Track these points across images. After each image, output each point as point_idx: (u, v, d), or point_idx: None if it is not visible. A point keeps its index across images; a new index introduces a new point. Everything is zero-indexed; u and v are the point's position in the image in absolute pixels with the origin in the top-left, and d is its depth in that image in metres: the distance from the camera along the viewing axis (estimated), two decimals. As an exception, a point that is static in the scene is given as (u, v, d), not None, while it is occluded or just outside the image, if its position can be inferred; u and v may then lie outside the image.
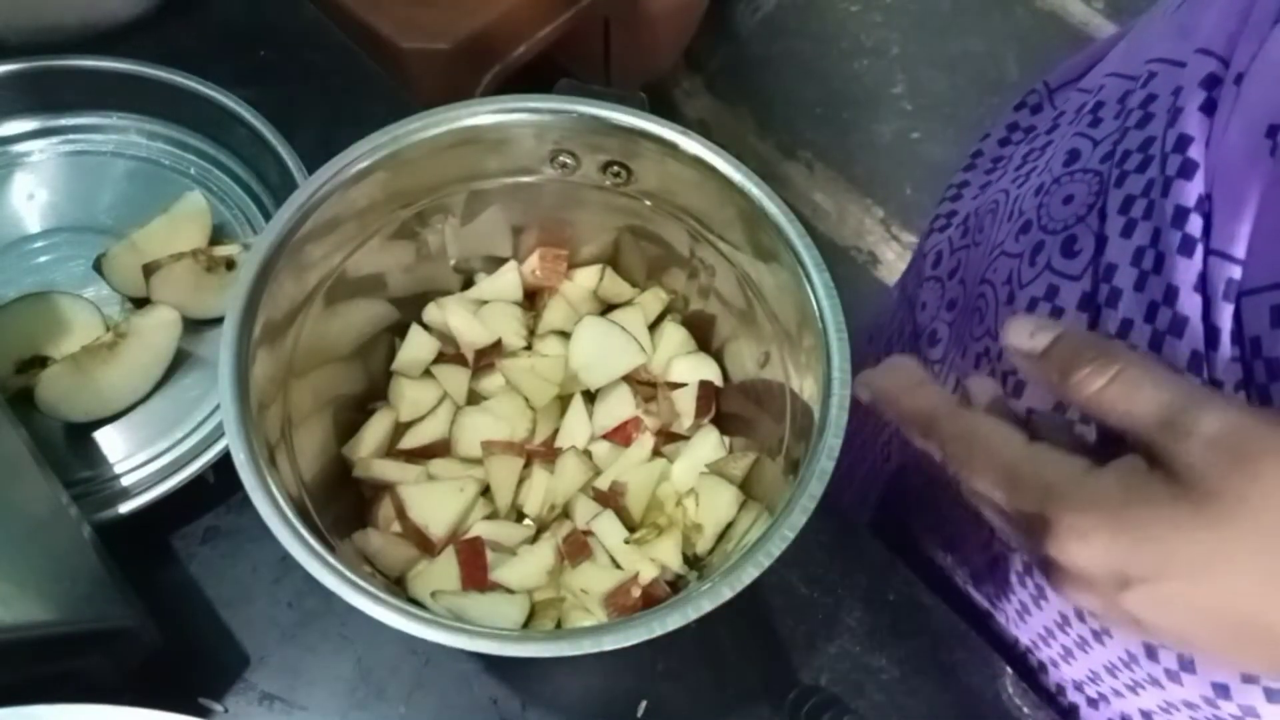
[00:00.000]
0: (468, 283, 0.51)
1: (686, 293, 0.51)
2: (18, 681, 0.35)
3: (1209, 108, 0.33)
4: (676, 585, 0.45)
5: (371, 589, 0.33)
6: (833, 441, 0.36)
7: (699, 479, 0.46)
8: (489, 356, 0.49)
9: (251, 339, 0.37)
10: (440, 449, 0.48)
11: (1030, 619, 0.45)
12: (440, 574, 0.43)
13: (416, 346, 0.49)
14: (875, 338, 0.63)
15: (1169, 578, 0.25)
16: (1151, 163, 0.36)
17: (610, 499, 0.46)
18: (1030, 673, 0.49)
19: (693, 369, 0.49)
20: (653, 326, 0.51)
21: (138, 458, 0.48)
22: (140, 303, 0.52)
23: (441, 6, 0.95)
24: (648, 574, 0.44)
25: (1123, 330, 0.35)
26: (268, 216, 0.56)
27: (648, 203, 0.46)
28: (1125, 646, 0.38)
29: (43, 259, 0.54)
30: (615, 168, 0.45)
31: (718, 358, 0.50)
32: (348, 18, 0.91)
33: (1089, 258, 0.38)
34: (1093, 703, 0.46)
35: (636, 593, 0.43)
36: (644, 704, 0.46)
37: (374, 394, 0.49)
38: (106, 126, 0.58)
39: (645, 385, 0.50)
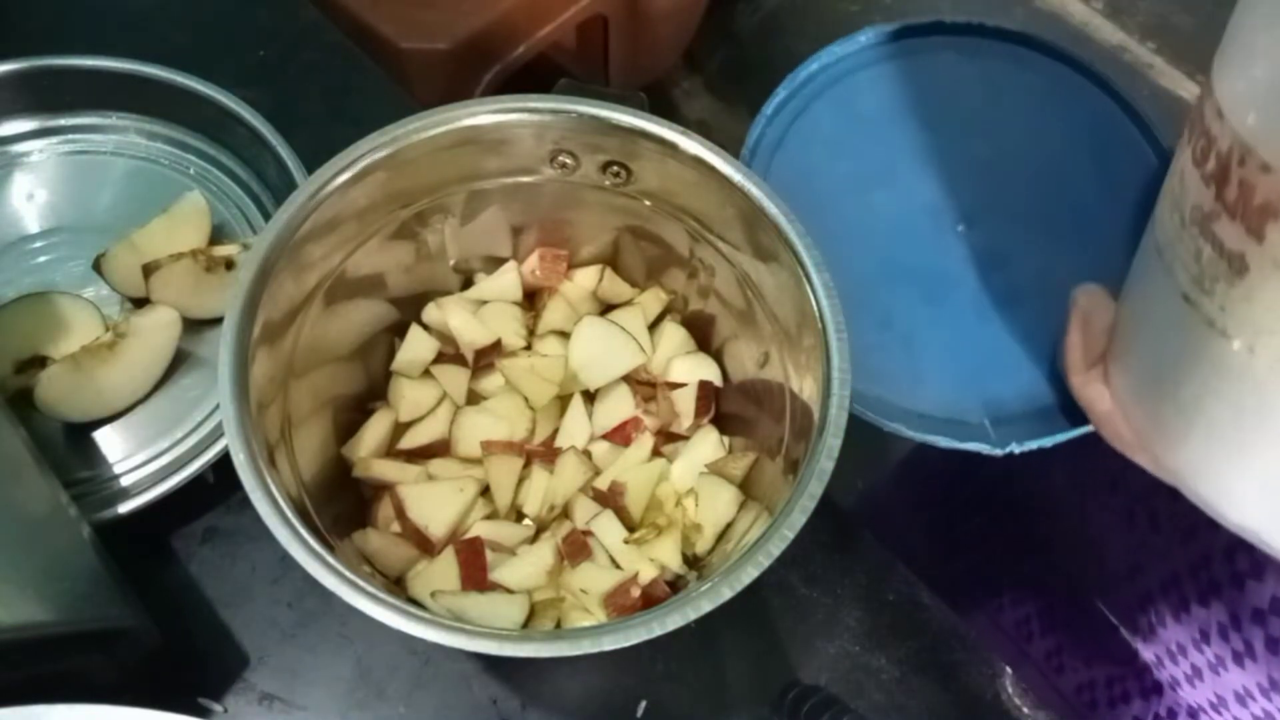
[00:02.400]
0: (467, 283, 0.51)
1: (686, 293, 0.51)
2: (18, 681, 0.35)
3: None
4: (676, 585, 0.45)
5: (371, 589, 0.33)
6: (832, 442, 0.36)
7: (698, 479, 0.46)
8: (488, 356, 0.49)
9: (251, 339, 0.37)
10: (440, 449, 0.48)
11: (1164, 633, 0.44)
12: (440, 574, 0.43)
13: (416, 346, 0.49)
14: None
15: None
16: None
17: (610, 499, 0.46)
18: (1145, 693, 0.48)
19: (692, 369, 0.49)
20: (652, 327, 0.51)
21: (137, 458, 0.48)
22: (140, 303, 0.52)
23: (441, 6, 0.95)
24: (647, 574, 0.44)
25: None
26: (267, 216, 0.56)
27: (647, 203, 0.46)
28: (1269, 672, 0.38)
29: (42, 259, 0.54)
30: (615, 168, 0.45)
31: (717, 358, 0.50)
32: (348, 18, 0.91)
33: None
34: None
35: (636, 593, 0.43)
36: (644, 704, 0.46)
37: (374, 394, 0.49)
38: (106, 126, 0.58)
39: (645, 385, 0.50)
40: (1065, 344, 0.41)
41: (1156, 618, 0.45)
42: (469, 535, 0.45)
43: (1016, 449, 0.43)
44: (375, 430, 0.47)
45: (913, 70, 0.52)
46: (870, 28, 0.52)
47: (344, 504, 0.45)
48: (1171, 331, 0.34)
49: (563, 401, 0.49)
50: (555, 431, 0.49)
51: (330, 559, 0.33)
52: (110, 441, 0.49)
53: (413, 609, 0.33)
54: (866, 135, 0.51)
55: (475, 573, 0.43)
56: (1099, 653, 0.50)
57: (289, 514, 0.34)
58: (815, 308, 0.39)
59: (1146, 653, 0.47)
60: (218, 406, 0.39)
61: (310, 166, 0.43)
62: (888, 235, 0.49)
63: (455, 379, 0.49)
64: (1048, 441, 0.44)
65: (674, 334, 0.50)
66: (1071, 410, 0.43)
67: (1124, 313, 0.39)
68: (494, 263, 0.51)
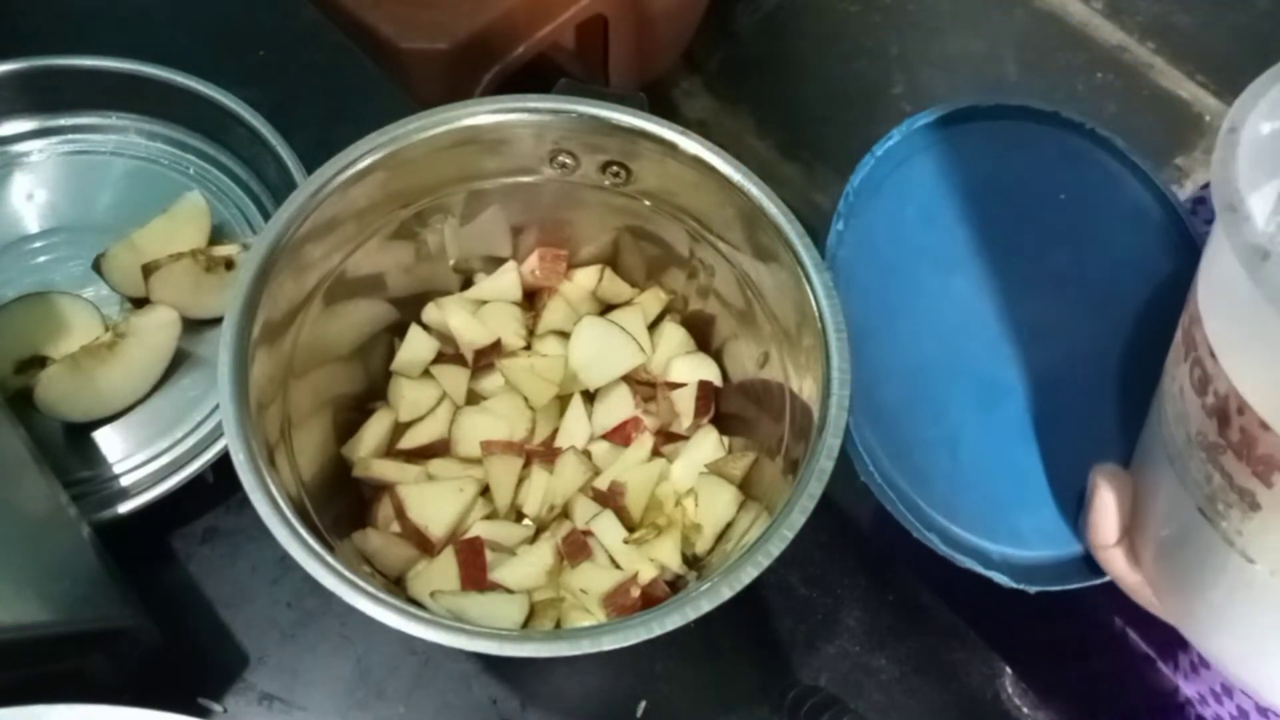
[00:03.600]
0: (467, 283, 0.51)
1: (686, 293, 0.51)
2: (18, 681, 0.35)
3: None
4: (676, 585, 0.45)
5: (371, 589, 0.33)
6: (832, 441, 0.36)
7: (698, 479, 0.46)
8: (488, 356, 0.49)
9: (251, 339, 0.37)
10: (439, 449, 0.48)
11: (1206, 674, 0.44)
12: (439, 574, 0.43)
13: (416, 346, 0.49)
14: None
15: None
16: None
17: (610, 499, 0.46)
18: None
19: (692, 369, 0.49)
20: (652, 326, 0.51)
21: (137, 458, 0.48)
22: (139, 303, 0.52)
23: (441, 6, 0.95)
24: (647, 574, 0.44)
25: None
26: (267, 216, 0.56)
27: (647, 203, 0.46)
28: None
29: (42, 259, 0.54)
30: (615, 168, 0.45)
31: (717, 358, 0.50)
32: (347, 18, 0.91)
33: None
34: None
35: (636, 593, 0.43)
36: (643, 704, 0.46)
37: (373, 394, 0.49)
38: (106, 126, 0.58)
39: (645, 385, 0.50)
40: (1088, 521, 0.40)
41: (1198, 658, 0.44)
42: (469, 535, 0.45)
43: (1031, 589, 0.43)
44: (375, 430, 0.47)
45: (1023, 154, 0.49)
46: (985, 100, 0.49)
47: (344, 504, 0.45)
48: (1192, 539, 0.32)
49: (562, 401, 0.49)
50: (555, 431, 0.49)
51: (330, 559, 0.33)
52: (110, 441, 0.49)
53: (413, 609, 0.33)
54: (964, 209, 0.48)
55: (475, 573, 0.43)
56: (1136, 683, 0.49)
57: (288, 514, 0.34)
58: (815, 308, 0.39)
59: (1188, 689, 0.47)
60: (217, 406, 0.39)
61: (310, 166, 0.43)
62: (958, 324, 0.46)
63: (455, 379, 0.49)
64: (1067, 587, 0.43)
65: (674, 334, 0.50)
66: (1092, 562, 0.42)
67: (1142, 495, 0.38)
68: (494, 263, 0.51)
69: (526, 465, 0.47)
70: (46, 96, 0.57)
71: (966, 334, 0.46)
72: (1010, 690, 0.48)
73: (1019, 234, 0.48)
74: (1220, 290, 0.29)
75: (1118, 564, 0.39)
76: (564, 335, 0.50)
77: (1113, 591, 0.42)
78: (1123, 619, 0.52)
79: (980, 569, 0.42)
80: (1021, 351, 0.46)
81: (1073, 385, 0.46)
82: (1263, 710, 0.42)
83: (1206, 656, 0.35)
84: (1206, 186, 0.52)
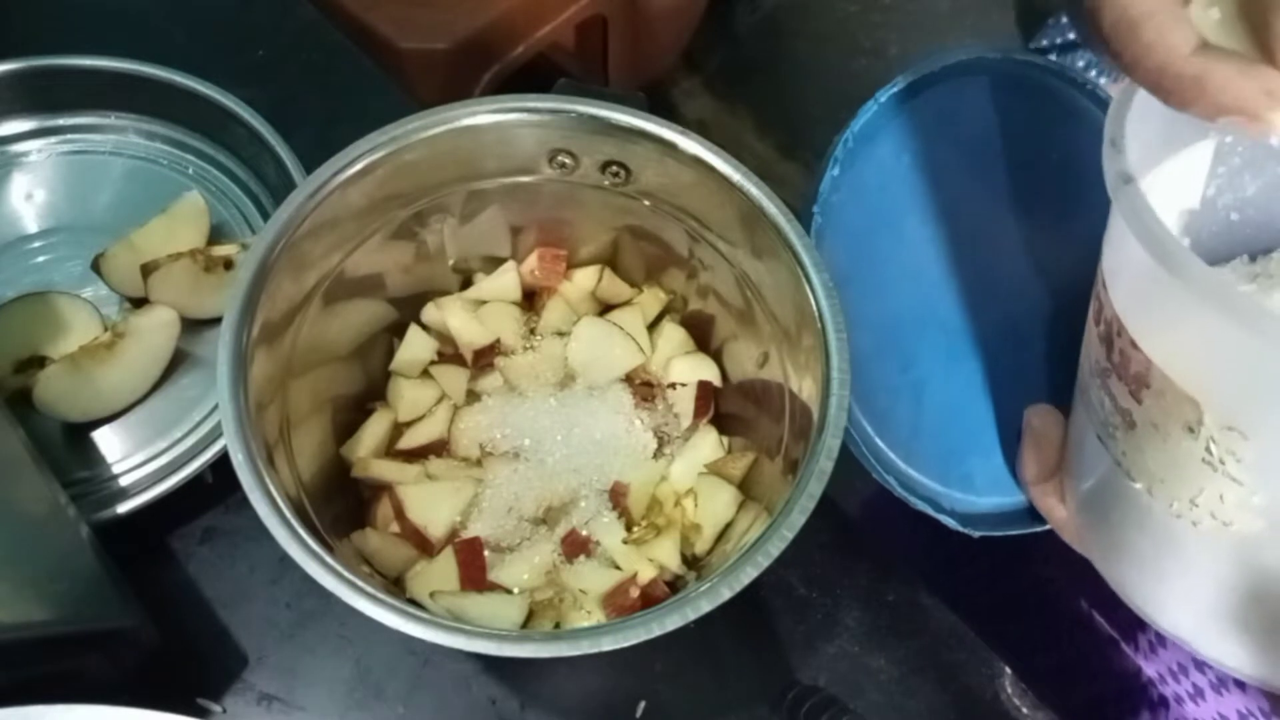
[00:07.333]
0: (466, 283, 0.51)
1: (685, 293, 0.51)
2: (17, 681, 0.35)
3: None
4: (675, 585, 0.45)
5: (370, 589, 0.33)
6: (831, 442, 0.36)
7: (698, 479, 0.46)
8: (488, 356, 0.49)
9: (250, 339, 0.37)
10: (439, 449, 0.48)
11: (1164, 653, 0.45)
12: (439, 574, 0.43)
13: (415, 346, 0.49)
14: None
15: None
16: None
17: (610, 499, 0.46)
18: (1152, 706, 0.49)
19: (691, 369, 0.49)
20: (651, 326, 0.51)
21: (136, 458, 0.48)
22: (138, 303, 0.52)
23: (440, 6, 0.95)
24: (646, 574, 0.44)
25: None
26: (266, 216, 0.56)
27: (646, 203, 0.46)
28: (1270, 696, 0.38)
29: (41, 259, 0.54)
30: (614, 168, 0.45)
31: (716, 358, 0.50)
32: (346, 17, 0.91)
33: None
34: None
35: (635, 593, 0.43)
36: (643, 704, 0.46)
37: (372, 394, 0.49)
38: (105, 126, 0.58)
39: (644, 385, 0.50)
40: (1020, 459, 0.43)
41: (1156, 637, 0.45)
42: (468, 535, 0.45)
43: (974, 534, 0.45)
44: (374, 430, 0.47)
45: (1022, 110, 0.47)
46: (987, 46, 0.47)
47: (343, 504, 0.45)
48: (1094, 464, 0.36)
49: (562, 401, 0.49)
50: (554, 431, 0.48)
51: (329, 559, 0.33)
52: (109, 441, 0.49)
53: (412, 609, 0.33)
54: (957, 161, 0.47)
55: (474, 573, 0.43)
56: (1103, 667, 0.50)
57: (288, 514, 0.34)
58: (814, 307, 0.39)
59: (1149, 669, 0.47)
60: (216, 406, 0.39)
61: (309, 166, 0.43)
62: (938, 276, 0.47)
63: (454, 379, 0.49)
64: (1009, 532, 0.45)
65: (673, 334, 0.50)
66: (1035, 511, 0.44)
67: (1069, 436, 0.41)
68: (493, 263, 0.51)
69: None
70: (45, 96, 0.57)
71: (945, 286, 0.47)
72: (1010, 690, 0.48)
73: (1009, 189, 0.48)
74: (1112, 225, 0.32)
75: (1047, 500, 0.41)
76: (563, 335, 0.50)
77: (1074, 574, 0.43)
78: (1088, 601, 0.53)
79: (931, 511, 0.44)
80: (996, 305, 0.47)
81: (1039, 341, 0.47)
82: (1217, 687, 0.42)
83: (1113, 587, 0.38)
84: None
